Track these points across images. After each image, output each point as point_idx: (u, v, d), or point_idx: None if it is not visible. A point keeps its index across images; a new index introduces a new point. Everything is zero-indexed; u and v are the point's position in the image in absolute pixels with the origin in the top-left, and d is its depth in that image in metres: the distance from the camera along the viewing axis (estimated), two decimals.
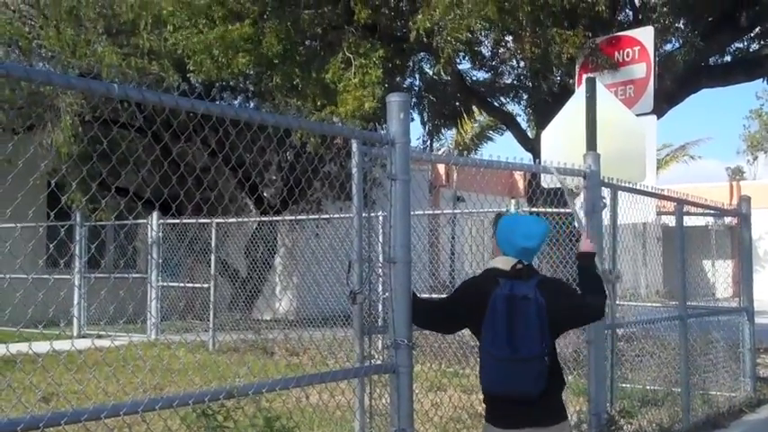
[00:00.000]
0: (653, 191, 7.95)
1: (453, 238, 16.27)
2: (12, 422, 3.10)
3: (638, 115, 8.87)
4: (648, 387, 8.56)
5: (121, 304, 5.90)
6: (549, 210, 9.30)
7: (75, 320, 15.14)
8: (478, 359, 4.30)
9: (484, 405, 4.35)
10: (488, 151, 31.05)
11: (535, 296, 4.21)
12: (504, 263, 4.32)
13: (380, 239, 9.67)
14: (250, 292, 16.26)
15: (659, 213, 9.50)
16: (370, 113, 12.22)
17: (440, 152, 21.98)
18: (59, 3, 15.12)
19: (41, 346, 4.59)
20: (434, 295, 13.25)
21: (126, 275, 14.17)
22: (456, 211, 15.54)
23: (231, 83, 16.73)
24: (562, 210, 9.20)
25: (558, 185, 6.83)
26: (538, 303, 4.19)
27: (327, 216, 14.84)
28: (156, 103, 3.91)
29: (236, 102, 18.88)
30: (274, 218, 15.69)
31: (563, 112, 8.13)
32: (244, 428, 3.77)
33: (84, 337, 14.40)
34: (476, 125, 26.97)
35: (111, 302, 6.64)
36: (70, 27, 14.97)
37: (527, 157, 14.07)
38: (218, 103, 16.65)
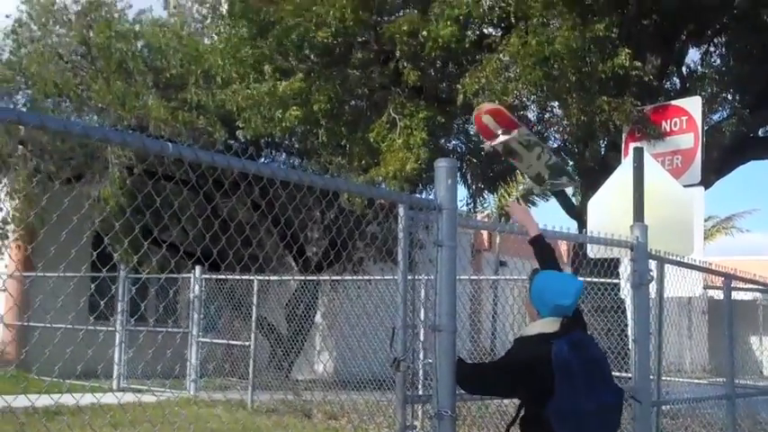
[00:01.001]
0: (700, 264, 7.83)
1: (495, 304, 16.16)
2: None
3: (685, 186, 8.78)
4: None
5: (162, 359, 5.90)
6: (595, 279, 9.20)
7: (114, 373, 15.16)
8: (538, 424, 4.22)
9: None
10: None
11: (591, 340, 4.38)
12: (545, 326, 4.31)
13: (422, 303, 9.64)
14: (289, 351, 16.22)
15: (706, 287, 9.34)
16: (412, 175, 12.26)
17: (483, 215, 21.92)
18: (110, 56, 15.47)
19: (80, 398, 4.61)
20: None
21: (168, 330, 14.13)
22: (499, 276, 15.44)
23: (277, 139, 16.91)
24: (608, 280, 9.11)
25: (606, 256, 6.77)
26: (597, 346, 4.37)
27: (369, 278, 14.79)
28: (208, 163, 3.94)
29: (281, 158, 19.06)
30: (320, 277, 15.68)
31: (610, 181, 8.07)
32: None
33: (122, 390, 14.40)
34: (520, 188, 26.89)
35: (152, 356, 6.68)
36: (120, 80, 15.29)
37: (571, 224, 14.02)
38: (264, 162, 16.86)
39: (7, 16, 16.53)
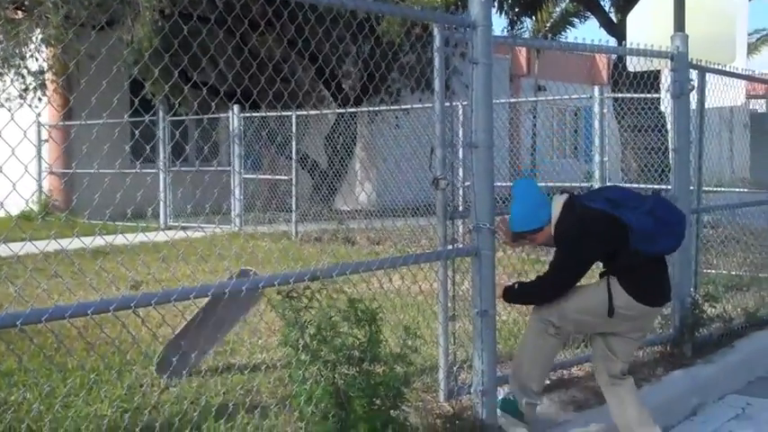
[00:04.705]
0: (743, 72, 7.69)
1: (535, 125, 16.05)
2: (105, 302, 3.20)
3: None
4: (734, 273, 8.46)
5: (204, 196, 6.01)
6: (635, 95, 9.07)
7: (161, 212, 15.51)
8: None
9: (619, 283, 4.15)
10: (570, 38, 30.29)
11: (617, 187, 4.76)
12: (560, 200, 4.27)
13: (460, 129, 9.63)
14: (330, 183, 16.38)
15: (749, 97, 9.18)
16: (442, 4, 12.04)
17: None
18: None
19: (126, 238, 4.77)
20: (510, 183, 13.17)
21: (209, 168, 14.25)
22: (538, 98, 15.24)
23: None
24: (647, 95, 8.98)
25: (646, 68, 6.66)
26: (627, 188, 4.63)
27: (407, 107, 14.67)
28: None
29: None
30: (359, 109, 15.57)
31: None
32: (327, 309, 3.86)
33: (169, 228, 14.75)
34: (555, 14, 26.28)
35: (197, 196, 6.83)
36: None
37: (612, 42, 13.72)
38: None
39: None
